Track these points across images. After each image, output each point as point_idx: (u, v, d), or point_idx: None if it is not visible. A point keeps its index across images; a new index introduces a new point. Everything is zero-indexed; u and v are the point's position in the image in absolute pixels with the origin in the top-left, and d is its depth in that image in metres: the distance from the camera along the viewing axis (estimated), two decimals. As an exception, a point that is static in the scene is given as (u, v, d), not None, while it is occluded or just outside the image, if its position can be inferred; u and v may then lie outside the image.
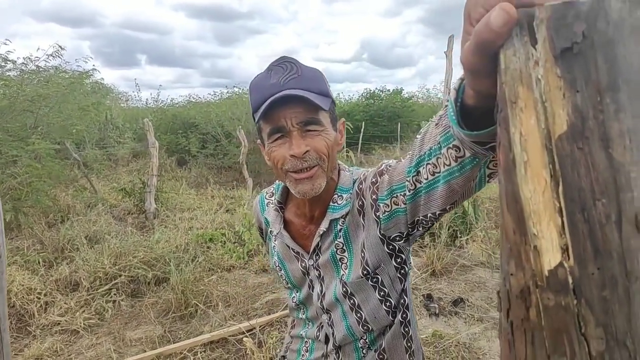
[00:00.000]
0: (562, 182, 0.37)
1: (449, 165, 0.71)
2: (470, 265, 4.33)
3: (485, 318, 3.33)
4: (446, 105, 0.65)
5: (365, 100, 17.54)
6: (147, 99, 15.61)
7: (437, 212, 0.81)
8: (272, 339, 2.96)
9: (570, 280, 0.37)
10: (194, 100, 14.05)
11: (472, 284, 3.97)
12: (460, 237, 4.77)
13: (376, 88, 18.08)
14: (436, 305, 3.37)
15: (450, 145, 0.68)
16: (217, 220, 6.06)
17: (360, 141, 10.54)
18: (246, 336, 2.95)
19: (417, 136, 0.80)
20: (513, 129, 0.40)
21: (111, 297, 4.00)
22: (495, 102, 0.43)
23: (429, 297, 3.53)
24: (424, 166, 0.77)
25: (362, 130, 11.33)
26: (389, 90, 18.18)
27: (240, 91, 12.69)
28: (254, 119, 0.95)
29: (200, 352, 3.04)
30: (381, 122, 15.56)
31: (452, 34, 5.40)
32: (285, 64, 0.92)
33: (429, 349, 2.90)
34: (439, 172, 0.74)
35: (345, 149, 5.62)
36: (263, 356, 2.74)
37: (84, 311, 3.76)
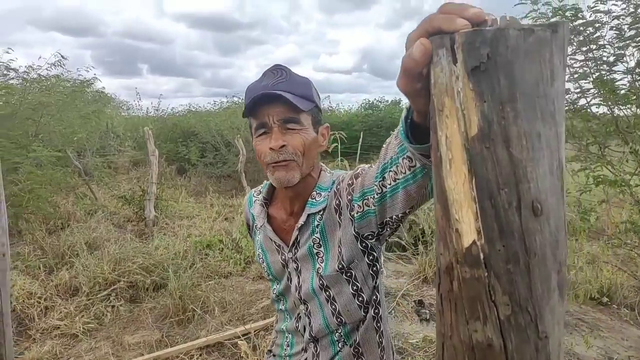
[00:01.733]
0: (474, 175, 0.45)
1: (404, 173, 0.81)
2: (464, 273, 4.38)
3: (477, 324, 3.39)
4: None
5: (364, 111, 17.67)
6: (147, 108, 15.74)
7: (400, 215, 0.91)
8: (266, 342, 3.02)
9: (481, 256, 0.45)
10: (194, 110, 14.18)
11: (464, 291, 4.02)
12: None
13: (375, 99, 18.24)
14: (427, 311, 3.43)
15: (405, 156, 0.79)
16: (215, 227, 6.13)
17: (358, 151, 10.63)
18: (241, 339, 3.01)
19: (383, 145, 0.90)
20: (440, 132, 0.49)
21: (110, 302, 4.06)
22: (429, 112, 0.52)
23: (420, 303, 3.59)
24: (388, 172, 0.87)
25: (360, 140, 11.43)
26: (387, 101, 18.36)
27: (240, 101, 12.80)
28: (246, 117, 1.08)
29: (197, 356, 3.10)
30: (379, 132, 15.65)
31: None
32: (277, 71, 1.05)
33: (420, 353, 2.96)
34: (399, 179, 0.85)
35: (340, 158, 5.70)
36: (257, 359, 2.80)
37: (83, 315, 3.81)
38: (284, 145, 1.01)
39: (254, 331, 3.26)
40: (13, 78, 6.43)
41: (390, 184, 0.87)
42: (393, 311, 3.49)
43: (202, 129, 11.11)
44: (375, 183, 0.92)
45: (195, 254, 5.02)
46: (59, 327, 3.66)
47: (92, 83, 7.88)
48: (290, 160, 1.02)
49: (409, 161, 0.79)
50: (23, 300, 3.84)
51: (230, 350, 3.13)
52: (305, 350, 1.17)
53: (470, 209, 0.46)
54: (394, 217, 0.93)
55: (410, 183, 0.82)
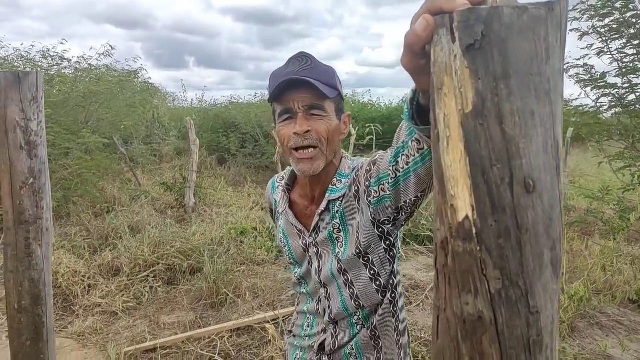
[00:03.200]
0: (468, 151, 0.46)
1: (414, 156, 0.83)
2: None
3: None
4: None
5: (403, 105, 17.45)
6: (192, 100, 16.12)
7: (412, 199, 0.92)
8: (294, 328, 3.08)
9: (474, 230, 0.47)
10: (235, 101, 14.41)
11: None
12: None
13: (416, 93, 17.95)
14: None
15: (413, 139, 0.80)
16: (251, 216, 6.25)
17: (397, 145, 10.58)
18: (269, 323, 3.09)
19: (398, 130, 0.91)
20: (438, 110, 0.50)
21: (149, 283, 4.23)
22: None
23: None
24: (400, 157, 0.89)
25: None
26: (429, 95, 18.00)
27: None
28: (270, 103, 1.11)
29: (228, 337, 3.20)
30: (419, 127, 15.38)
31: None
32: (301, 58, 1.07)
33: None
34: (410, 162, 0.86)
35: (375, 151, 5.69)
36: (284, 343, 2.86)
37: (123, 295, 3.99)
38: (308, 131, 1.03)
39: (283, 317, 3.33)
40: (66, 67, 6.77)
41: (403, 168, 0.89)
42: (421, 304, 3.48)
43: (243, 120, 11.28)
44: (390, 168, 0.94)
45: (230, 241, 5.15)
46: (100, 305, 3.85)
47: (139, 73, 8.17)
48: (315, 147, 1.04)
49: (417, 144, 0.80)
50: (68, 278, 4.06)
51: (259, 334, 3.21)
52: (324, 331, 1.20)
53: (465, 185, 0.47)
54: (408, 201, 0.94)
55: (420, 166, 0.83)
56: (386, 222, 1.05)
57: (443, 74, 0.49)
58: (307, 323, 1.27)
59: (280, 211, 1.25)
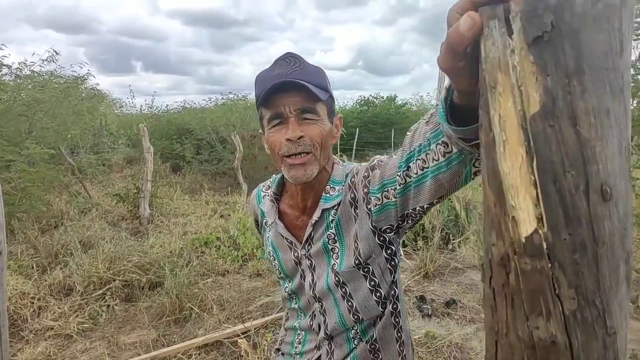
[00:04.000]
0: (536, 157, 0.41)
1: (437, 160, 0.77)
2: (463, 268, 4.38)
3: (477, 319, 3.37)
4: (437, 105, 0.71)
5: (359, 107, 17.67)
6: (141, 106, 15.58)
7: (425, 206, 0.87)
8: (266, 340, 2.98)
9: (544, 246, 0.41)
10: (188, 106, 14.06)
11: (464, 286, 4.02)
12: (453, 240, 4.82)
13: (370, 95, 18.25)
14: (429, 307, 3.41)
15: (439, 142, 0.75)
16: (211, 225, 6.07)
17: (354, 147, 10.60)
18: (241, 337, 2.97)
19: (408, 133, 0.86)
20: (492, 111, 0.44)
21: (105, 301, 3.98)
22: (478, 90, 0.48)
23: (421, 298, 3.57)
24: (414, 161, 0.83)
25: (356, 136, 11.39)
26: (383, 97, 18.40)
27: (235, 97, 12.71)
28: (257, 108, 1.02)
29: (195, 355, 3.05)
30: (375, 129, 15.68)
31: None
32: (289, 59, 0.99)
33: (422, 349, 2.93)
34: (428, 167, 0.80)
35: (339, 154, 5.67)
36: (257, 357, 2.76)
37: (77, 316, 3.74)
38: (302, 136, 0.96)
39: (254, 329, 3.22)
40: (6, 75, 6.32)
41: (416, 174, 0.83)
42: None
43: (197, 126, 11.01)
44: (398, 173, 0.88)
45: (191, 252, 4.97)
46: (52, 328, 3.59)
47: (86, 79, 7.76)
48: (308, 153, 0.97)
49: (444, 147, 0.75)
50: (16, 301, 3.77)
51: (229, 349, 3.08)
52: (318, 347, 1.13)
53: (528, 194, 0.42)
54: (418, 208, 0.88)
55: (443, 171, 0.77)
56: (388, 231, 0.99)
57: (496, 71, 0.44)
58: (297, 340, 1.19)
59: (269, 223, 1.16)
